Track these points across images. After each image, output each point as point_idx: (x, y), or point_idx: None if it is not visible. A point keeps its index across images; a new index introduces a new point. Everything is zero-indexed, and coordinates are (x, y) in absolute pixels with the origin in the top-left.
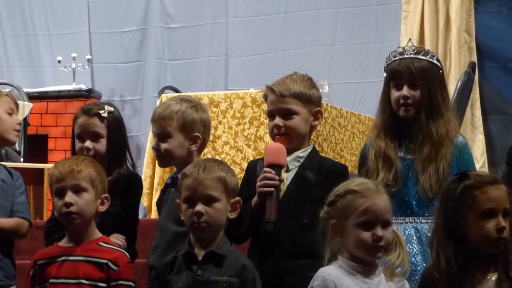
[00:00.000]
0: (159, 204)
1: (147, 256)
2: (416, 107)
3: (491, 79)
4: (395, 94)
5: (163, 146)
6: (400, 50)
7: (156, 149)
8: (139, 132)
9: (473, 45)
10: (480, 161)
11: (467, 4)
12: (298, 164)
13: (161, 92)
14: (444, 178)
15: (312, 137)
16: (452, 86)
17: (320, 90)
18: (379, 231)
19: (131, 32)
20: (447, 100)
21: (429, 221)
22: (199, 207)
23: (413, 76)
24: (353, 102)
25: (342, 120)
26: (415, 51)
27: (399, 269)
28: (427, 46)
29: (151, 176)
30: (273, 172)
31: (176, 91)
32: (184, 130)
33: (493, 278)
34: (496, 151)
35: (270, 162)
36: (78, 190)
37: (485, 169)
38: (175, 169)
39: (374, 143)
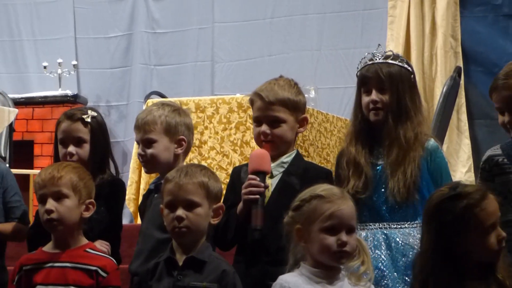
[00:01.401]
0: (142, 209)
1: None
2: (385, 111)
3: (477, 83)
4: (365, 99)
5: (149, 151)
6: (370, 56)
7: (142, 155)
8: (125, 137)
9: (459, 49)
10: (466, 166)
11: (453, 9)
12: (282, 170)
13: (147, 97)
14: (412, 182)
15: (298, 142)
16: (438, 90)
17: (306, 95)
18: (343, 237)
19: (117, 37)
20: (418, 104)
21: (399, 226)
22: (180, 211)
23: (381, 80)
24: (339, 107)
25: (328, 125)
26: (384, 56)
27: (364, 276)
28: (413, 51)
29: (137, 181)
30: (258, 179)
31: (162, 96)
32: (168, 133)
33: None
34: (482, 156)
35: (255, 169)
36: (59, 196)
37: (471, 174)
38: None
39: (346, 150)
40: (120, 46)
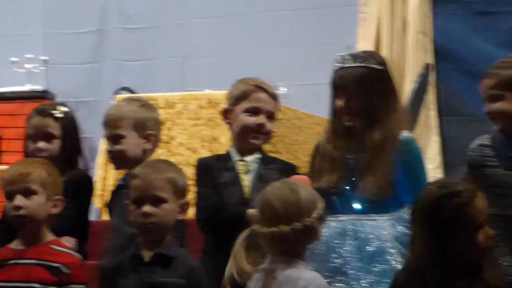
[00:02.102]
0: (110, 205)
1: (98, 258)
2: (354, 117)
3: (448, 80)
4: (337, 102)
5: (118, 147)
6: (341, 57)
7: (111, 151)
8: (94, 133)
9: (430, 47)
10: (434, 162)
11: (424, 6)
12: (256, 165)
13: (117, 93)
14: (384, 182)
15: None
16: (408, 87)
17: (274, 91)
18: None
19: (87, 33)
20: (391, 101)
21: (370, 219)
22: (147, 208)
23: (349, 88)
24: (309, 103)
25: (298, 121)
26: (354, 58)
27: None
28: (384, 48)
29: (104, 177)
30: None
31: (132, 92)
32: (137, 129)
33: None
34: (451, 153)
35: None
36: (27, 193)
37: (440, 170)
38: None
39: (323, 146)
40: (90, 41)
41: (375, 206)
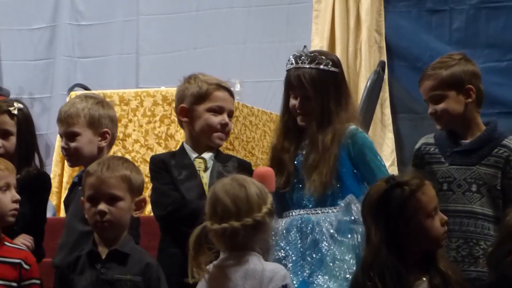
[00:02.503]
0: (66, 202)
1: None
2: (308, 118)
3: (401, 78)
4: (291, 102)
5: (73, 144)
6: (296, 57)
7: (66, 148)
8: (49, 130)
9: (383, 44)
10: (389, 160)
11: (377, 3)
12: (212, 162)
13: (71, 89)
14: (328, 180)
15: None
16: (362, 85)
17: (232, 89)
18: None
19: (40, 29)
20: (344, 103)
21: (317, 212)
22: (102, 206)
23: (305, 89)
24: (265, 100)
25: (253, 119)
26: (309, 59)
27: None
28: (338, 45)
29: (60, 174)
30: None
31: (86, 89)
32: (92, 126)
33: (424, 279)
34: (405, 150)
35: None
36: None
37: (395, 167)
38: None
39: (273, 145)
40: (43, 38)
41: (323, 201)
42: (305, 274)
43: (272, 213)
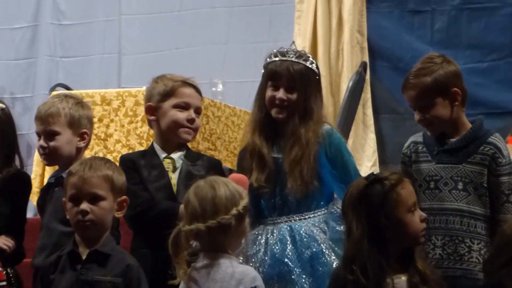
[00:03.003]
0: (41, 203)
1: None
2: (290, 110)
3: (383, 78)
4: (270, 93)
5: (51, 144)
6: (282, 51)
7: (44, 147)
8: (30, 130)
9: (365, 45)
10: (371, 160)
11: (359, 4)
12: (181, 161)
13: (52, 89)
14: (308, 178)
15: (205, 135)
16: (344, 85)
17: (214, 89)
18: None
19: (22, 28)
20: (320, 103)
21: (303, 217)
22: (84, 205)
23: (291, 79)
24: (247, 101)
25: (235, 119)
26: (297, 54)
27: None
28: (320, 46)
29: (41, 174)
30: None
31: (68, 88)
32: (72, 126)
33: (403, 278)
34: (387, 150)
35: None
36: None
37: (377, 168)
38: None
39: (250, 140)
40: (25, 37)
41: (305, 204)
42: (309, 286)
43: (243, 216)
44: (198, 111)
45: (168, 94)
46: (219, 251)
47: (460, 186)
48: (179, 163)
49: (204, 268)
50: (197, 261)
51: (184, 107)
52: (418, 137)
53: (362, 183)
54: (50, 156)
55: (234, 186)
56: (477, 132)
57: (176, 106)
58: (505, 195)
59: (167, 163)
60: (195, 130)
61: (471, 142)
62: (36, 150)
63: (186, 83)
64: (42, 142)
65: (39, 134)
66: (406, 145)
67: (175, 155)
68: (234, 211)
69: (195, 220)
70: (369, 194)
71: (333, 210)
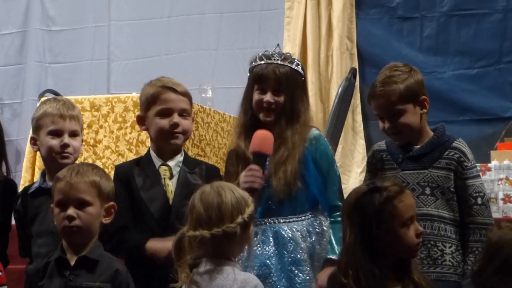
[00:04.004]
0: (22, 209)
1: (20, 262)
2: (277, 113)
3: None
4: (257, 97)
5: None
6: (268, 54)
7: (68, 146)
8: (19, 136)
9: (355, 51)
10: (361, 166)
11: (348, 11)
12: (178, 169)
13: (41, 95)
14: (292, 179)
15: (194, 141)
16: (334, 91)
17: (203, 95)
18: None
19: (11, 34)
20: (307, 105)
21: (287, 221)
22: (71, 211)
23: (278, 82)
24: (237, 106)
25: (225, 125)
26: (282, 57)
27: None
28: (310, 52)
29: (30, 181)
30: (260, 171)
31: (57, 94)
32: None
33: None
34: None
35: (257, 150)
36: None
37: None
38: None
39: (236, 144)
40: (14, 43)
41: (290, 207)
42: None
43: (248, 224)
44: (183, 112)
45: (150, 102)
46: (222, 258)
47: (428, 191)
48: (176, 170)
49: (206, 274)
50: (200, 266)
51: (166, 113)
52: (381, 145)
53: (361, 190)
54: (72, 156)
55: (240, 193)
56: (441, 138)
57: (158, 114)
58: (473, 198)
59: (163, 170)
60: (184, 132)
61: (435, 148)
62: (25, 156)
63: (166, 87)
64: (66, 140)
65: (58, 132)
66: (369, 154)
67: (172, 162)
68: (239, 220)
69: (199, 226)
70: (366, 202)
71: (315, 217)
